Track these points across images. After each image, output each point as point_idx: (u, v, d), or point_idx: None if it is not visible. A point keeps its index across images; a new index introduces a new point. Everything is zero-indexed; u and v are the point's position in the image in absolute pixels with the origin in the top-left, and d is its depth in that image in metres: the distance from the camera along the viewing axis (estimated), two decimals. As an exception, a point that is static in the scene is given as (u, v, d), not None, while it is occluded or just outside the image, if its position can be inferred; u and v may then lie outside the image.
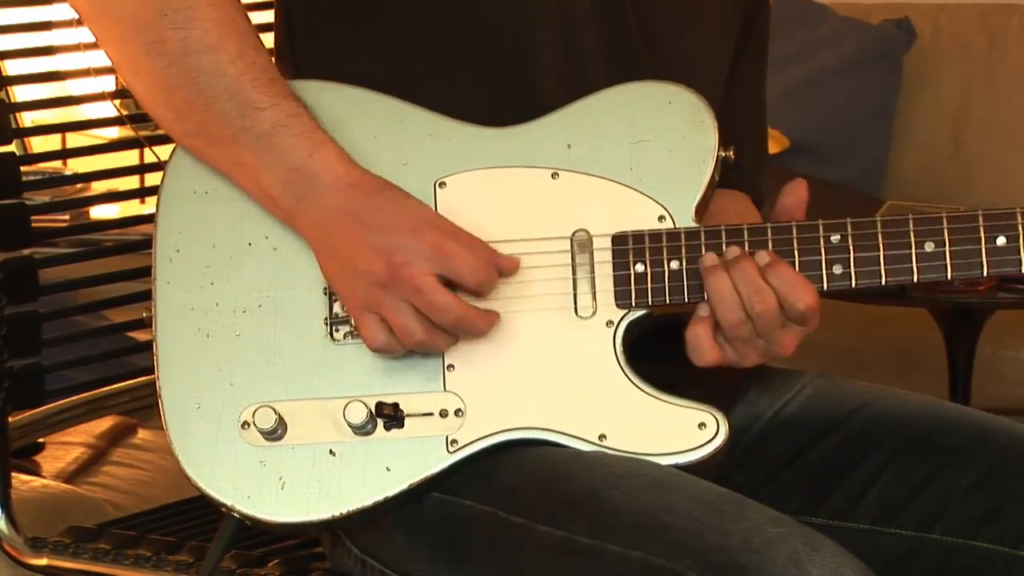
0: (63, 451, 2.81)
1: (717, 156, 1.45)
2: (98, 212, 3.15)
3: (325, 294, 1.44)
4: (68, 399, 1.91)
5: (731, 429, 1.41)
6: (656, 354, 1.50)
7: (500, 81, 1.49)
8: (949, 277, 1.41)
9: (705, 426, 1.41)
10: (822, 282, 1.42)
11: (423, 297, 1.37)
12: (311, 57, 1.52)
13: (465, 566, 1.42)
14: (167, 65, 1.41)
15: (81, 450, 2.81)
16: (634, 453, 1.40)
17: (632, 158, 1.45)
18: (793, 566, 1.25)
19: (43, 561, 1.78)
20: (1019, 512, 1.46)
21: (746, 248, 1.42)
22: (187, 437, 1.44)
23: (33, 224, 1.78)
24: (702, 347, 1.42)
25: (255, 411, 1.42)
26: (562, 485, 1.38)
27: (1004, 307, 3.06)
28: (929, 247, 1.41)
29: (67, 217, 2.77)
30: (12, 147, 1.78)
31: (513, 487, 1.40)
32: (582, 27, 1.50)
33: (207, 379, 1.44)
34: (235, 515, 1.43)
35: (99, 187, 2.90)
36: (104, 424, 2.84)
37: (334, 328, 1.44)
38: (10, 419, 1.79)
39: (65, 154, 2.14)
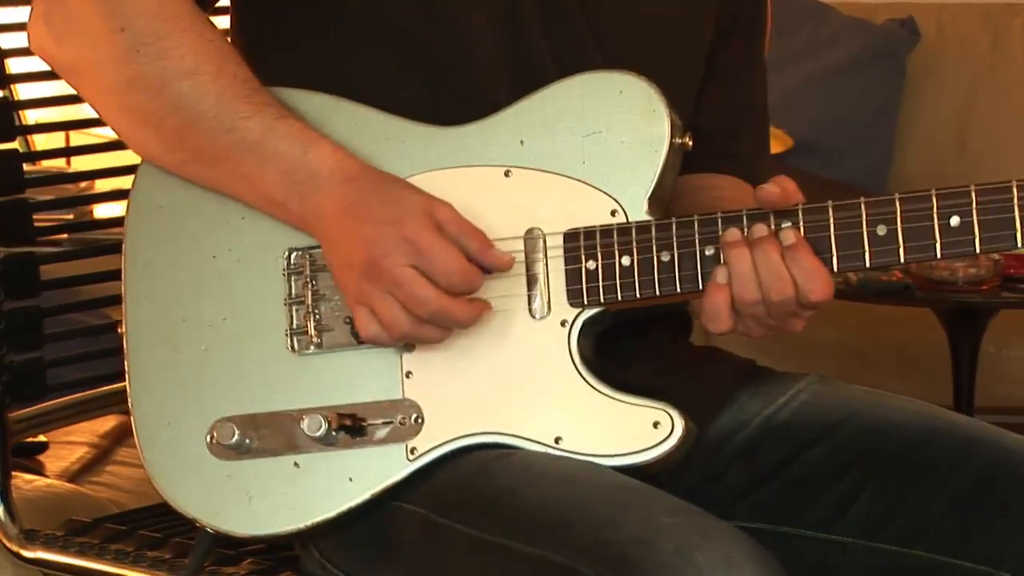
0: (67, 450, 2.81)
1: (671, 144, 1.43)
2: (101, 211, 3.15)
3: (285, 305, 1.44)
4: (70, 396, 1.91)
5: (688, 427, 1.39)
6: (643, 356, 1.50)
7: (447, 81, 1.48)
8: (902, 261, 1.38)
9: (659, 424, 1.39)
10: None
11: (402, 289, 1.36)
12: (268, 72, 1.50)
13: (400, 567, 1.44)
14: (150, 99, 1.42)
15: (85, 449, 2.82)
16: (588, 455, 1.39)
17: (584, 151, 1.43)
18: (679, 555, 1.25)
19: (36, 553, 1.79)
20: (1000, 530, 1.44)
21: (696, 240, 1.40)
22: (157, 452, 1.46)
23: (36, 222, 1.79)
24: (720, 315, 1.40)
25: (221, 426, 1.43)
26: (483, 485, 1.38)
27: (1008, 306, 3.06)
28: (881, 230, 1.38)
29: (71, 216, 2.77)
30: (15, 144, 1.78)
31: (442, 488, 1.40)
32: (526, 23, 1.49)
33: (176, 395, 1.45)
34: (209, 530, 1.45)
35: (102, 185, 2.89)
36: (108, 423, 2.85)
37: (295, 339, 1.44)
38: (12, 414, 1.80)
39: (68, 152, 2.14)
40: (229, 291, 1.45)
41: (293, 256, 1.45)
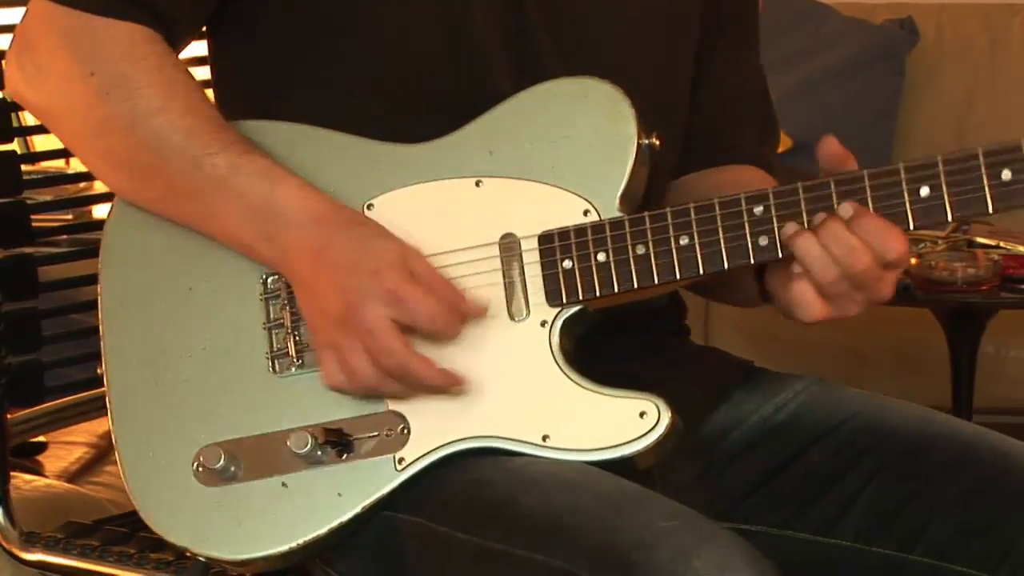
0: (66, 451, 2.81)
1: (639, 145, 1.43)
2: (101, 211, 3.15)
3: (264, 329, 1.45)
4: (69, 397, 1.91)
5: (675, 416, 1.39)
6: (640, 352, 1.51)
7: (408, 101, 1.48)
8: (950, 218, 1.37)
9: (645, 414, 1.39)
10: (748, 255, 1.39)
11: (373, 339, 1.37)
12: (241, 104, 1.53)
13: (404, 575, 1.43)
14: (121, 139, 1.43)
15: (84, 450, 2.82)
16: (577, 450, 1.39)
17: (553, 156, 1.44)
18: (679, 560, 1.25)
19: (36, 556, 1.79)
20: (999, 535, 1.45)
21: (670, 231, 1.39)
22: (144, 485, 1.46)
23: (35, 223, 1.79)
24: (809, 302, 1.39)
25: (208, 452, 1.43)
26: (482, 493, 1.38)
27: (1007, 307, 3.05)
28: (847, 211, 1.37)
29: (70, 216, 2.77)
30: (13, 145, 1.78)
31: (441, 497, 1.40)
32: (483, 36, 1.49)
33: (159, 427, 1.46)
34: (201, 559, 1.45)
35: (102, 186, 2.90)
36: (106, 424, 2.84)
37: (276, 362, 1.45)
38: (11, 415, 1.80)
39: (68, 153, 2.14)
40: (207, 320, 1.46)
41: (269, 281, 1.46)
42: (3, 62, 1.51)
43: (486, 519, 1.37)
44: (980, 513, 1.46)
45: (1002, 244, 2.99)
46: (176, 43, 1.49)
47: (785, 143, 3.81)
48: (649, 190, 1.46)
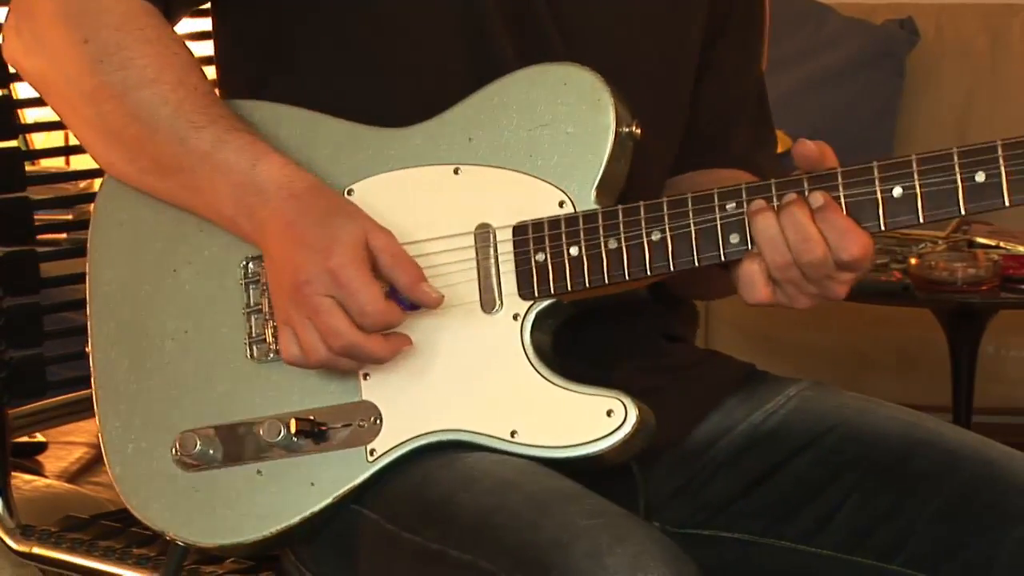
0: (66, 451, 2.82)
1: (617, 133, 1.41)
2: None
3: (244, 314, 1.45)
4: (70, 394, 1.92)
5: (643, 415, 1.37)
6: (636, 355, 1.50)
7: (412, 90, 1.48)
8: (921, 220, 1.35)
9: (613, 413, 1.37)
10: (719, 251, 1.38)
11: (319, 319, 1.37)
12: (240, 84, 1.54)
13: (360, 572, 1.43)
14: (113, 108, 1.43)
15: (84, 450, 2.83)
16: (544, 447, 1.38)
17: (531, 145, 1.42)
18: (591, 559, 1.24)
19: (29, 548, 1.81)
20: (980, 547, 1.43)
21: (642, 226, 1.38)
22: (125, 468, 1.46)
23: (36, 221, 1.79)
24: (755, 283, 1.37)
25: (184, 438, 1.44)
26: (426, 492, 1.38)
27: (1007, 307, 3.05)
28: (817, 200, 1.34)
29: (70, 216, 2.77)
30: (16, 142, 1.78)
31: (394, 495, 1.40)
32: (493, 31, 1.48)
33: (141, 410, 1.46)
34: (179, 542, 1.46)
35: (102, 185, 2.90)
36: (107, 423, 2.85)
37: (254, 347, 1.45)
38: (12, 411, 1.81)
39: (68, 151, 2.15)
40: (190, 304, 1.46)
41: (250, 265, 1.45)
42: (2, 30, 1.52)
43: (426, 519, 1.37)
44: (961, 525, 1.44)
45: (1002, 244, 2.99)
46: (173, 17, 1.49)
47: (785, 143, 3.79)
48: (640, 183, 1.45)
